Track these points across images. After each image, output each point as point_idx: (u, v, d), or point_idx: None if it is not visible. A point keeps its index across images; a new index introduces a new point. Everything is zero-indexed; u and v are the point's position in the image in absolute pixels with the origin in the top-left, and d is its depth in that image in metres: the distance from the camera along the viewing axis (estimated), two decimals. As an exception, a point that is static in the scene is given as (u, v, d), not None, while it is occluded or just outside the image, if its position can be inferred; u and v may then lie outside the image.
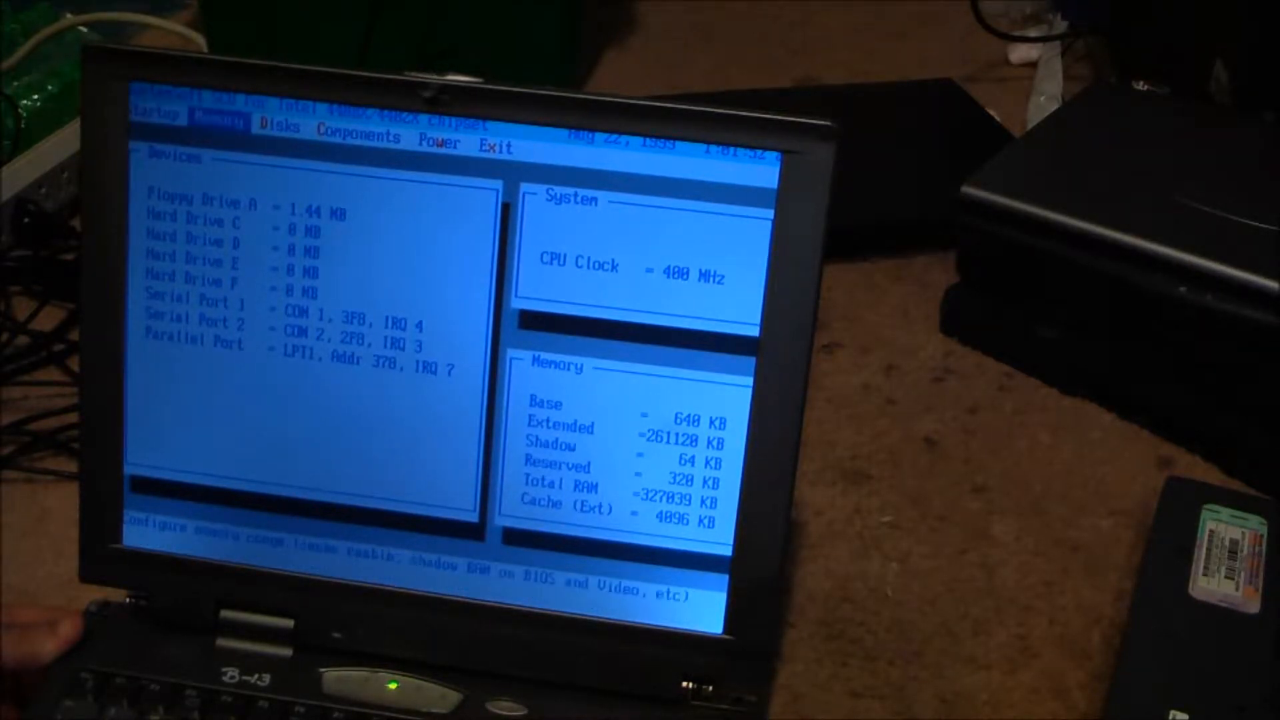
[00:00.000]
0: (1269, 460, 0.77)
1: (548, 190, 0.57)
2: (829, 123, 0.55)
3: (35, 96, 1.02)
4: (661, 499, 0.59)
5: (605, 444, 0.59)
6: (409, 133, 0.57)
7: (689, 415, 0.58)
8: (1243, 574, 0.67)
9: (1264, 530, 0.70)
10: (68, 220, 0.96)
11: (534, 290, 0.58)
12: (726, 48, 1.24)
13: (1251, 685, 0.62)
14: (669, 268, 0.57)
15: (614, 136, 0.56)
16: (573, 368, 0.59)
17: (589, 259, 0.58)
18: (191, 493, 0.61)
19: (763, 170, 0.56)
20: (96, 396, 0.61)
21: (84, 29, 1.09)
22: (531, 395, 0.59)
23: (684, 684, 0.60)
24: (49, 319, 0.88)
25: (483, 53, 1.05)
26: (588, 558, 0.60)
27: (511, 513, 0.60)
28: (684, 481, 0.59)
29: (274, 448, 0.60)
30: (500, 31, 1.07)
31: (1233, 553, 0.69)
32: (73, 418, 0.76)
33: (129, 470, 0.61)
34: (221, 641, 0.62)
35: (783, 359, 0.57)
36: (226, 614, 0.62)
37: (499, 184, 0.57)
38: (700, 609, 0.60)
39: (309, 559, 0.61)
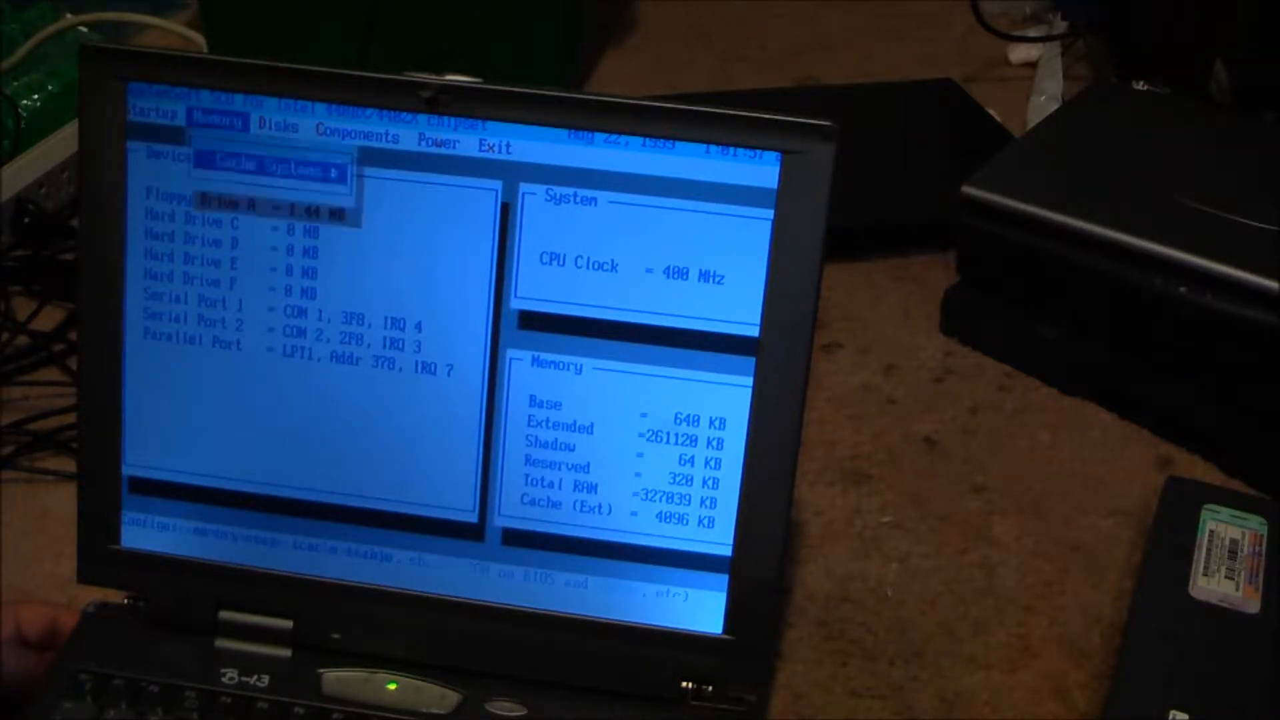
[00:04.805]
0: (1269, 460, 0.77)
1: (547, 190, 0.57)
2: (829, 123, 0.55)
3: (35, 96, 1.02)
4: (661, 499, 0.59)
5: (605, 444, 0.59)
6: (408, 133, 0.57)
7: (689, 415, 0.58)
8: (1243, 574, 0.67)
9: (1264, 530, 0.70)
10: (68, 220, 0.96)
11: (533, 290, 0.58)
12: (726, 48, 1.24)
13: (1251, 685, 0.62)
14: (669, 268, 0.57)
15: (614, 137, 0.56)
16: (572, 368, 0.58)
17: (589, 259, 0.57)
18: (190, 494, 0.61)
19: (763, 170, 0.56)
20: (95, 397, 0.61)
21: (84, 29, 1.09)
22: (531, 395, 0.59)
23: (684, 684, 0.60)
24: (49, 319, 0.88)
25: (482, 53, 1.05)
26: (587, 558, 0.60)
27: (511, 513, 0.60)
28: (683, 482, 0.59)
29: (273, 448, 0.60)
30: (499, 32, 1.07)
31: (1233, 553, 0.68)
32: (72, 418, 0.76)
33: (127, 471, 0.61)
34: (220, 642, 0.62)
35: (783, 359, 0.57)
36: (225, 615, 0.62)
37: (498, 184, 0.57)
38: (700, 609, 0.60)
39: (308, 560, 0.61)
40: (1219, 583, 0.67)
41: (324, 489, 0.61)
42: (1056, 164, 0.88)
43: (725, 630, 0.60)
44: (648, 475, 0.59)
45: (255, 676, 0.60)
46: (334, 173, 0.58)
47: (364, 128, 0.57)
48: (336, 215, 0.58)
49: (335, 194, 0.58)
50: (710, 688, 0.60)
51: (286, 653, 0.61)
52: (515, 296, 0.58)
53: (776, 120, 0.56)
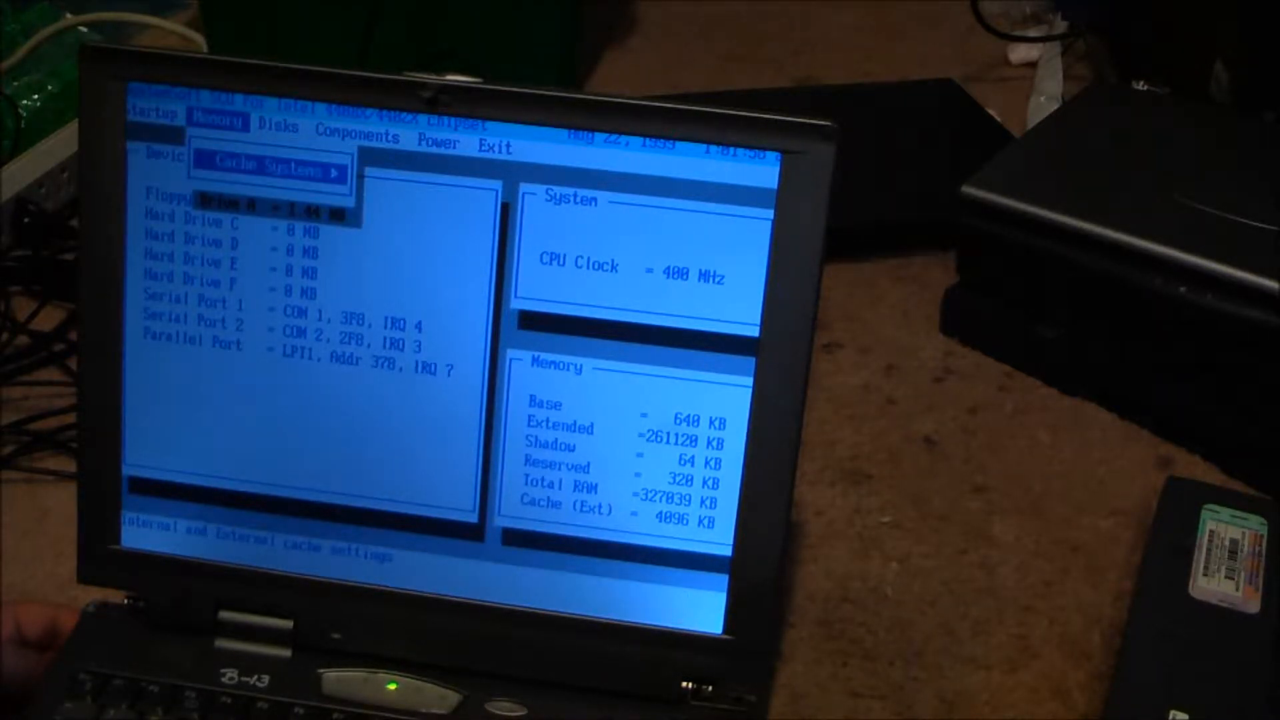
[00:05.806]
0: (1269, 460, 0.77)
1: (547, 190, 0.57)
2: (829, 123, 0.55)
3: (35, 96, 1.02)
4: (661, 499, 0.59)
5: (605, 444, 0.59)
6: (408, 133, 0.57)
7: (689, 415, 0.58)
8: (1243, 574, 0.67)
9: (1264, 530, 0.70)
10: (68, 220, 0.96)
11: (533, 290, 0.58)
12: (726, 48, 1.24)
13: (1251, 685, 0.62)
14: (669, 268, 0.57)
15: (614, 136, 0.56)
16: (572, 368, 0.58)
17: (589, 259, 0.57)
18: (190, 494, 0.61)
19: (763, 170, 0.56)
20: (95, 397, 0.61)
21: (84, 29, 1.09)
22: (531, 395, 0.59)
23: (684, 684, 0.60)
24: (49, 319, 0.88)
25: (482, 53, 1.05)
26: (587, 558, 0.60)
27: (511, 513, 0.60)
28: (684, 482, 0.59)
29: (273, 449, 0.60)
30: (500, 32, 1.07)
31: (1233, 553, 0.68)
32: (73, 418, 0.76)
33: (127, 471, 0.61)
34: (220, 642, 0.62)
35: (783, 359, 0.57)
36: (225, 615, 0.62)
37: (498, 184, 0.57)
38: (700, 609, 0.60)
39: (308, 560, 0.61)
40: (1219, 583, 0.67)
41: (324, 489, 0.61)
42: (1056, 164, 0.88)
43: (725, 630, 0.60)
44: (648, 475, 0.59)
45: (255, 676, 0.60)
46: (334, 173, 0.58)
47: (364, 128, 0.57)
48: (336, 215, 0.58)
49: (335, 194, 0.58)
50: (710, 688, 0.60)
51: (286, 653, 0.61)
52: (515, 296, 0.58)
53: (776, 120, 0.56)
